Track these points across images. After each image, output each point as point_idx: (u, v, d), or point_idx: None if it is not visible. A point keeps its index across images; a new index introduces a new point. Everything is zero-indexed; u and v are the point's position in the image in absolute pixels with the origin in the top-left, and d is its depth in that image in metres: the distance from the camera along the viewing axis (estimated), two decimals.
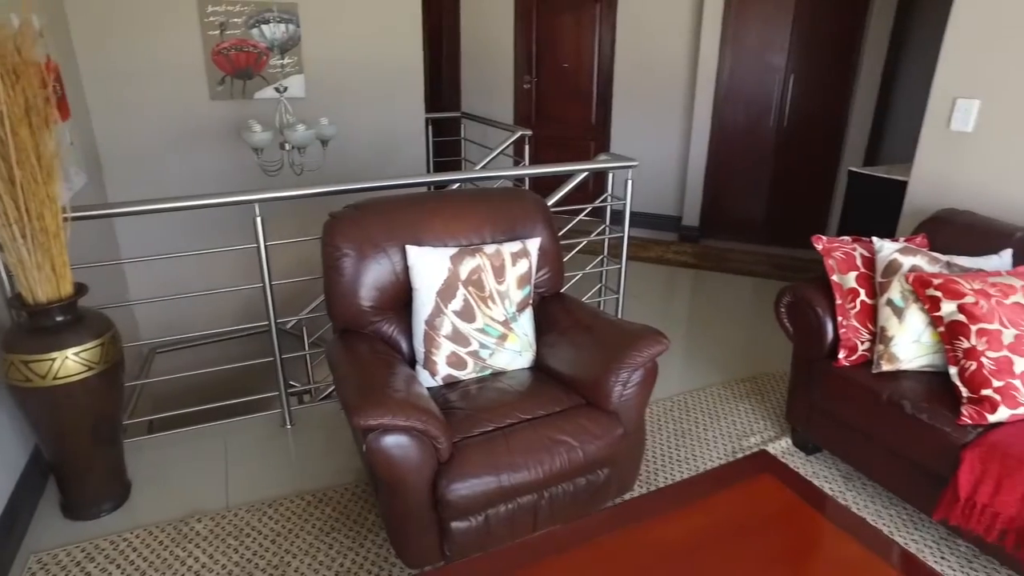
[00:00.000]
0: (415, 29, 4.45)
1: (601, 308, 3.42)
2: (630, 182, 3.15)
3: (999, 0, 2.52)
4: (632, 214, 5.55)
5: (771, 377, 3.18)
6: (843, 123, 4.89)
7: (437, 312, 2.12)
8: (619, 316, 3.36)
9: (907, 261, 2.23)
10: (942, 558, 2.12)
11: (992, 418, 1.94)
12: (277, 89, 3.92)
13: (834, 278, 2.37)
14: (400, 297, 2.19)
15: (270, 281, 2.59)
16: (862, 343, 2.31)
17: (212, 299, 3.13)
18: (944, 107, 2.76)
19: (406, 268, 2.16)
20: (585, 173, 3.18)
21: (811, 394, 2.45)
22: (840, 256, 2.37)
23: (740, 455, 2.59)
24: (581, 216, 3.24)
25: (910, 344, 2.17)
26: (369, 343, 2.12)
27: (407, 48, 4.46)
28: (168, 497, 2.30)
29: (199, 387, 3.17)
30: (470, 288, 2.14)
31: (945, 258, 2.28)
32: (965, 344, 2.01)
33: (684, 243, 5.38)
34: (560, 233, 3.18)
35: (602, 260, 3.38)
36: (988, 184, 2.64)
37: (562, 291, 2.56)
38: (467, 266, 2.15)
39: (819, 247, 2.42)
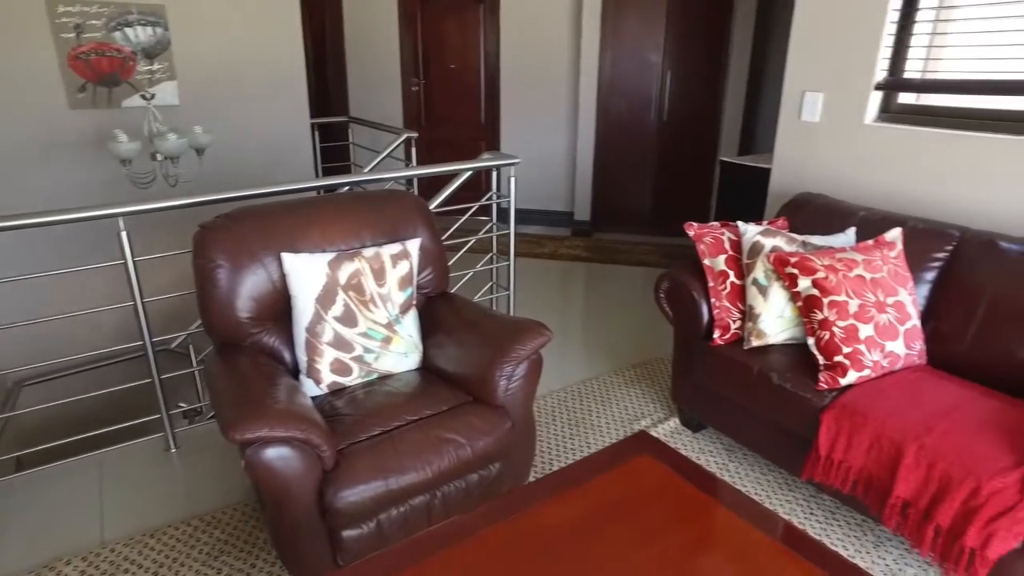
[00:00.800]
0: (294, 30, 4.33)
1: (493, 305, 3.47)
2: (513, 179, 3.20)
3: (832, 2, 2.74)
4: (524, 211, 5.58)
5: (660, 361, 3.33)
6: (717, 116, 5.17)
7: (318, 319, 2.08)
8: (511, 313, 3.41)
9: (768, 242, 2.39)
10: (811, 513, 2.29)
11: (844, 381, 2.12)
12: (144, 96, 3.71)
13: (706, 262, 2.50)
14: (279, 306, 2.14)
15: (142, 299, 2.46)
16: (734, 322, 2.45)
17: (88, 323, 2.93)
18: (795, 100, 2.97)
19: (283, 276, 2.11)
20: (469, 172, 3.21)
21: (692, 374, 2.58)
22: (710, 241, 2.51)
23: None
24: (468, 215, 3.26)
25: (775, 319, 2.33)
26: (249, 356, 2.05)
27: (287, 50, 4.33)
28: (33, 541, 2.14)
29: (77, 418, 2.97)
30: (350, 293, 2.11)
31: (801, 238, 2.46)
32: (819, 316, 2.18)
33: (577, 238, 5.53)
34: (448, 233, 3.21)
35: (492, 258, 3.42)
36: (835, 169, 2.87)
37: (450, 291, 2.57)
38: (346, 271, 2.12)
39: (691, 233, 2.55)
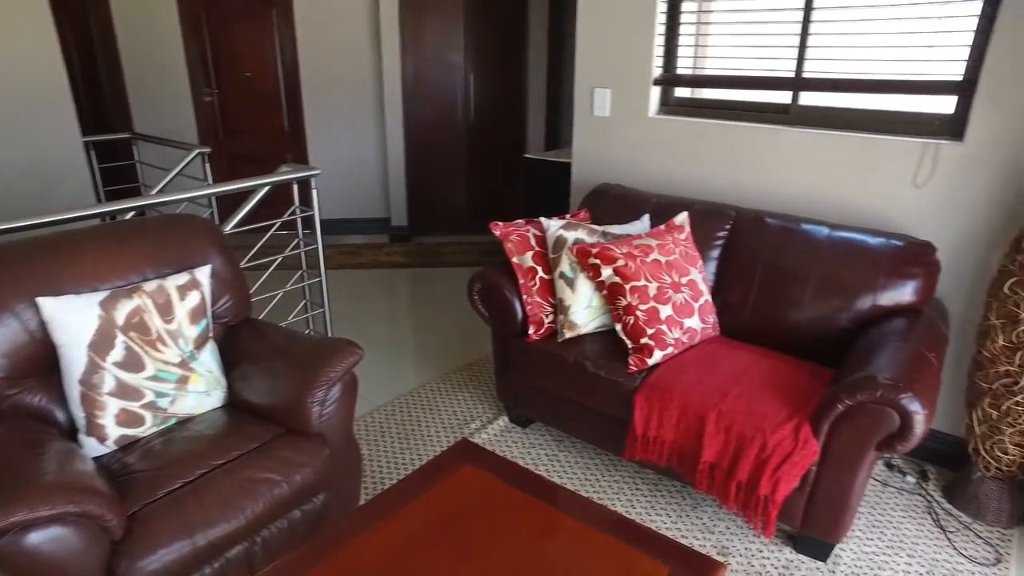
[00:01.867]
0: (48, 39, 3.81)
1: (309, 324, 3.30)
2: (316, 191, 3.06)
3: (611, 2, 2.90)
4: (339, 221, 5.40)
5: (486, 361, 3.35)
6: (522, 113, 5.32)
7: (93, 368, 1.82)
8: (328, 330, 3.26)
9: (571, 235, 2.48)
10: (637, 488, 2.41)
11: (651, 361, 2.25)
12: None
13: (514, 260, 2.54)
14: (42, 359, 1.85)
15: None
16: (547, 316, 2.51)
17: None
18: (586, 96, 3.11)
19: (43, 324, 1.83)
20: (267, 188, 3.01)
21: (513, 371, 2.62)
22: (516, 239, 2.55)
23: None
24: (271, 232, 3.06)
25: (584, 310, 2.42)
26: (7, 423, 1.76)
27: (44, 62, 3.80)
28: None
29: None
30: (131, 334, 1.88)
31: (601, 228, 2.58)
32: (623, 302, 2.29)
33: (396, 244, 5.44)
34: (252, 253, 3.00)
35: (302, 275, 3.24)
36: (628, 160, 3.05)
37: (258, 316, 2.39)
38: (124, 309, 1.88)
39: (497, 233, 2.57)
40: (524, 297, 2.52)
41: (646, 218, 2.68)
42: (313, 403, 1.95)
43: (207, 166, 3.98)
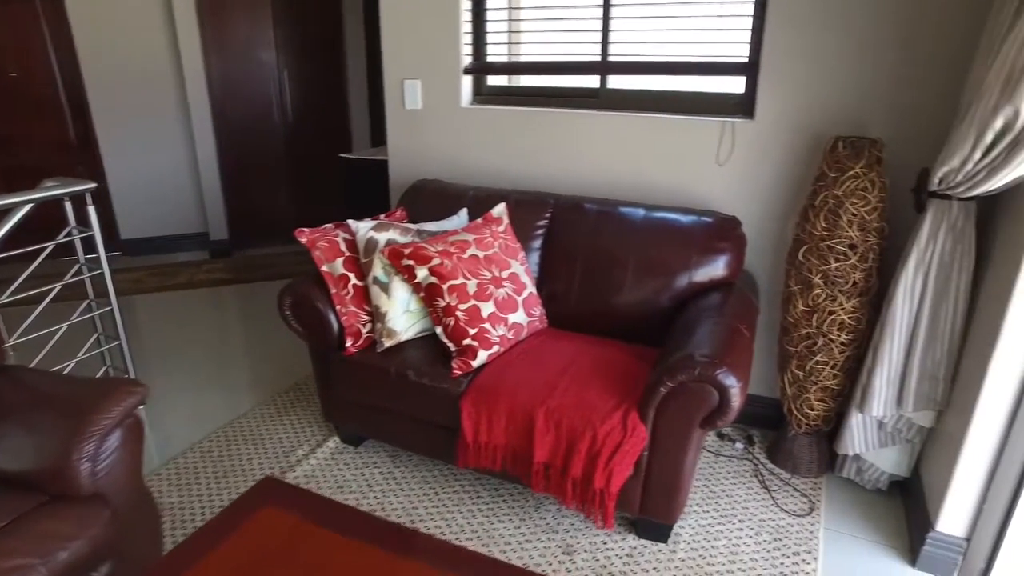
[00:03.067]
0: None
1: (105, 361, 2.87)
2: (91, 208, 2.65)
3: None
4: (151, 240, 4.86)
5: (313, 380, 3.09)
6: (345, 111, 5.05)
7: None
8: (129, 365, 2.86)
9: (382, 237, 2.30)
10: (479, 496, 2.29)
11: (476, 363, 2.13)
12: None
13: (324, 268, 2.33)
14: None
15: None
16: (364, 326, 2.33)
17: None
18: (397, 88, 2.94)
19: None
20: (25, 207, 2.56)
21: (336, 388, 2.41)
22: (324, 245, 2.34)
23: (291, 472, 2.43)
24: (39, 260, 2.61)
25: (402, 315, 2.26)
26: None
27: None
28: None
29: None
30: None
31: (416, 226, 2.42)
32: (442, 303, 2.16)
33: (217, 259, 4.97)
34: (14, 287, 2.54)
35: (90, 305, 2.81)
36: (444, 153, 2.93)
37: (21, 364, 2.00)
38: None
39: (303, 240, 2.35)
40: (338, 307, 2.31)
41: (464, 212, 2.56)
42: (82, 459, 1.63)
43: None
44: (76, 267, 2.82)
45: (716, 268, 2.24)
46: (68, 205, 2.71)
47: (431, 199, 2.68)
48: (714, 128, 2.39)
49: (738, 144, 2.37)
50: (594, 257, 2.39)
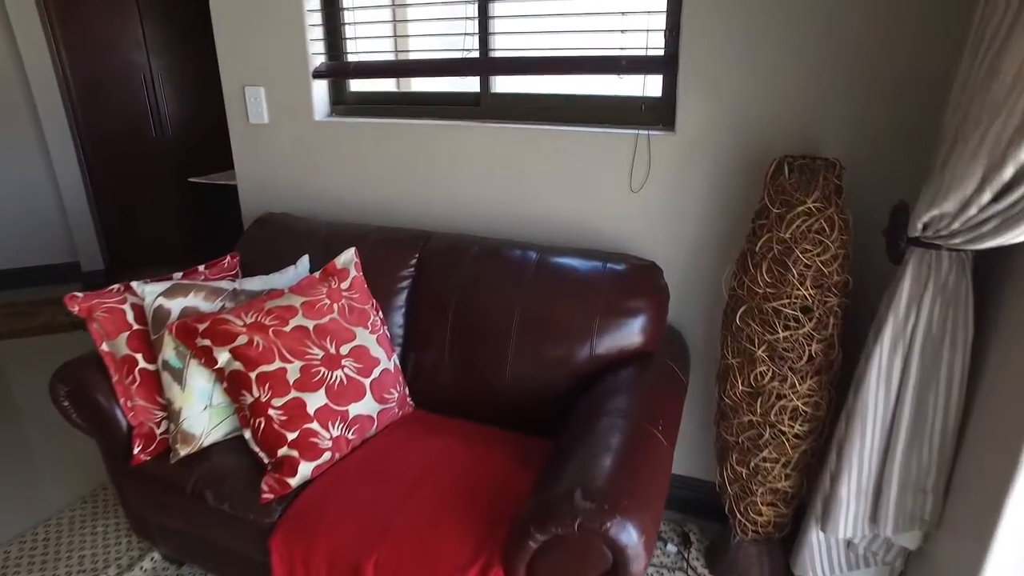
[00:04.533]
0: None
1: None
2: None
3: None
4: (9, 272, 4.18)
5: None
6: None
7: None
8: None
9: (176, 305, 1.69)
10: None
11: (296, 481, 1.53)
12: None
13: (103, 347, 1.71)
14: None
15: None
16: (158, 425, 1.71)
17: None
18: (237, 97, 2.32)
19: None
20: None
21: (133, 501, 1.79)
22: (104, 316, 1.71)
23: None
24: None
25: (201, 413, 1.64)
26: None
27: None
28: None
29: None
30: None
31: (235, 285, 1.81)
32: (249, 399, 1.56)
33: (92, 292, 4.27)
34: None
35: None
36: (297, 179, 2.32)
37: None
38: None
39: (74, 309, 1.72)
40: (122, 401, 1.70)
41: (304, 261, 1.95)
42: None
43: None
44: None
45: (628, 334, 1.67)
46: None
47: (272, 241, 2.07)
48: (625, 143, 1.82)
49: (656, 164, 1.80)
50: (471, 317, 1.81)
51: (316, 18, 2.13)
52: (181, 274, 1.89)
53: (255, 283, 1.83)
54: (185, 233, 4.50)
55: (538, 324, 1.72)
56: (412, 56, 2.18)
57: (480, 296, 1.81)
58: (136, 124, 4.19)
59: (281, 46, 2.15)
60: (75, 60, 3.99)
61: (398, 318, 1.90)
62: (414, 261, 1.92)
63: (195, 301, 1.70)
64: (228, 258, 2.03)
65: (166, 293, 1.69)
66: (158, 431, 1.70)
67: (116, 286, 1.79)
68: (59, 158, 4.07)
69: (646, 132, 1.79)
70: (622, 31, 1.81)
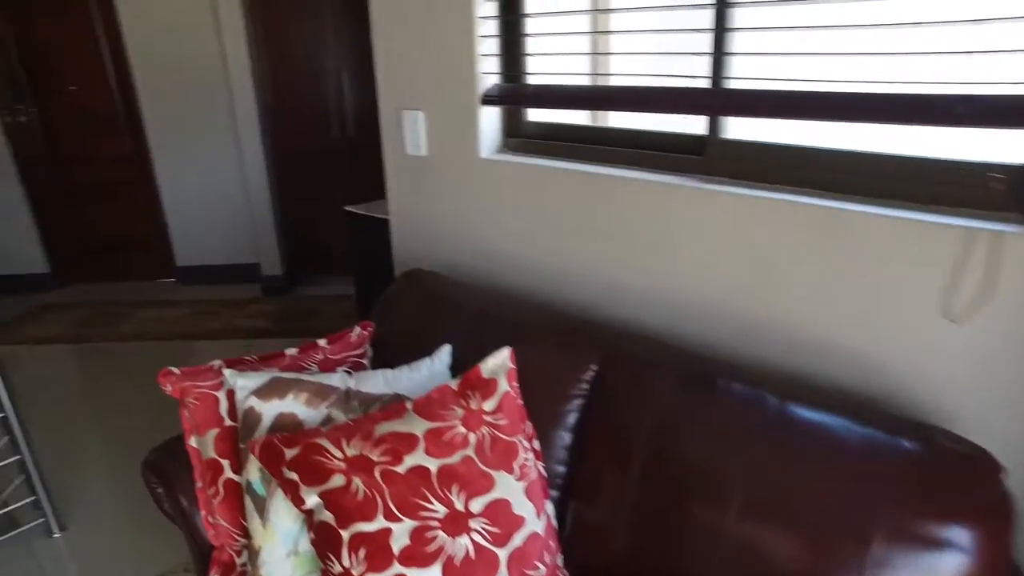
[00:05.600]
0: None
1: None
2: None
3: None
4: (204, 268, 4.29)
5: None
6: None
7: None
8: (40, 482, 2.11)
9: (270, 410, 1.29)
10: None
11: None
12: None
13: (192, 441, 1.37)
14: None
15: None
16: (239, 555, 1.34)
17: None
18: (393, 123, 1.93)
19: None
20: None
21: None
22: (194, 403, 1.37)
23: None
24: None
25: (284, 561, 1.23)
26: None
27: None
28: None
29: None
30: None
31: (350, 382, 1.39)
32: (337, 567, 1.11)
33: (268, 298, 4.26)
34: None
35: None
36: (456, 229, 1.86)
37: None
38: None
39: (167, 389, 1.39)
40: (203, 514, 1.35)
41: (444, 355, 1.48)
42: None
43: None
44: None
45: (937, 565, 0.99)
46: None
47: (412, 312, 1.64)
48: (948, 239, 1.12)
49: (1006, 280, 1.08)
50: (665, 469, 1.23)
51: (490, 27, 1.65)
52: (296, 350, 1.51)
53: (376, 381, 1.39)
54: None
55: (770, 508, 1.10)
56: (613, 81, 1.62)
57: (681, 442, 1.22)
58: (320, 127, 4.08)
59: (446, 62, 1.70)
60: (271, 59, 3.94)
61: (559, 451, 1.37)
62: (590, 375, 1.36)
63: (294, 406, 1.30)
64: (358, 329, 1.63)
65: (261, 391, 1.30)
66: (238, 561, 1.33)
67: (217, 363, 1.44)
68: (249, 160, 4.07)
69: (990, 225, 1.08)
70: (962, 52, 1.10)
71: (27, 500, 2.19)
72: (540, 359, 1.39)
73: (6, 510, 2.21)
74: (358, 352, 1.57)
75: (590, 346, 1.38)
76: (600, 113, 1.78)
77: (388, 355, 1.59)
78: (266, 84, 3.97)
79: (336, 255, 4.36)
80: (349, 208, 2.41)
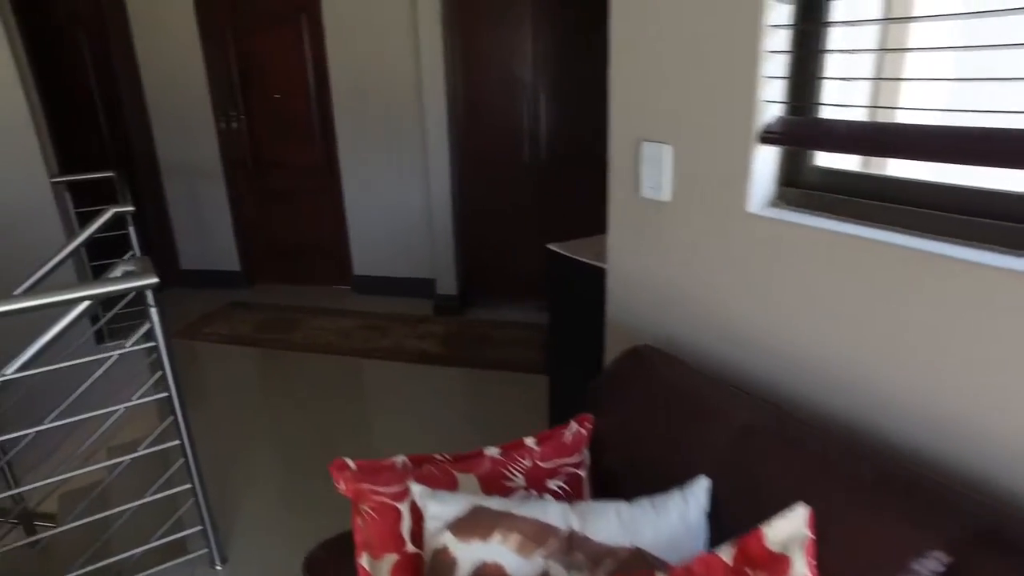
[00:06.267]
0: (5, 68, 3.08)
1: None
2: (155, 309, 1.80)
3: None
4: (380, 279, 4.21)
5: None
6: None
7: None
8: (207, 526, 1.99)
9: (470, 555, 0.96)
10: None
11: None
12: None
13: (362, 560, 1.08)
14: None
15: None
16: None
17: None
18: (628, 156, 1.56)
19: None
20: (81, 305, 1.79)
21: None
22: (373, 513, 1.08)
23: None
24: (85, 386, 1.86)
25: None
26: None
27: None
28: None
29: None
30: None
31: (576, 515, 1.03)
32: None
33: (441, 317, 4.09)
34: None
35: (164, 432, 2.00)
36: (703, 295, 1.45)
37: None
38: None
39: (340, 487, 1.12)
40: None
41: (699, 492, 1.07)
42: None
43: (130, 230, 2.88)
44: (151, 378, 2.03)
45: None
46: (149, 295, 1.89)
47: (643, 407, 1.25)
48: None
49: None
50: None
51: (780, 40, 1.22)
52: (498, 450, 1.18)
53: (608, 521, 1.02)
54: (537, 267, 4.05)
55: None
56: (918, 117, 1.12)
57: None
58: (510, 146, 3.83)
59: (712, 83, 1.30)
60: (465, 75, 3.76)
61: None
62: (935, 566, 0.90)
63: (501, 552, 0.96)
64: (575, 426, 1.27)
65: (459, 527, 0.98)
66: None
67: (400, 460, 1.15)
68: (434, 175, 3.92)
69: None
70: None
71: (196, 529, 2.09)
72: (852, 527, 0.94)
73: (180, 535, 2.13)
74: (574, 460, 1.21)
75: (934, 516, 0.92)
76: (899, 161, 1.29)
77: (609, 462, 1.23)
78: (458, 101, 3.80)
79: (512, 281, 4.11)
80: (553, 247, 2.07)
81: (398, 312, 4.15)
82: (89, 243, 2.71)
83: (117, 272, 1.88)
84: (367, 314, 4.15)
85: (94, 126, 4.45)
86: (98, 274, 3.47)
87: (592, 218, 3.67)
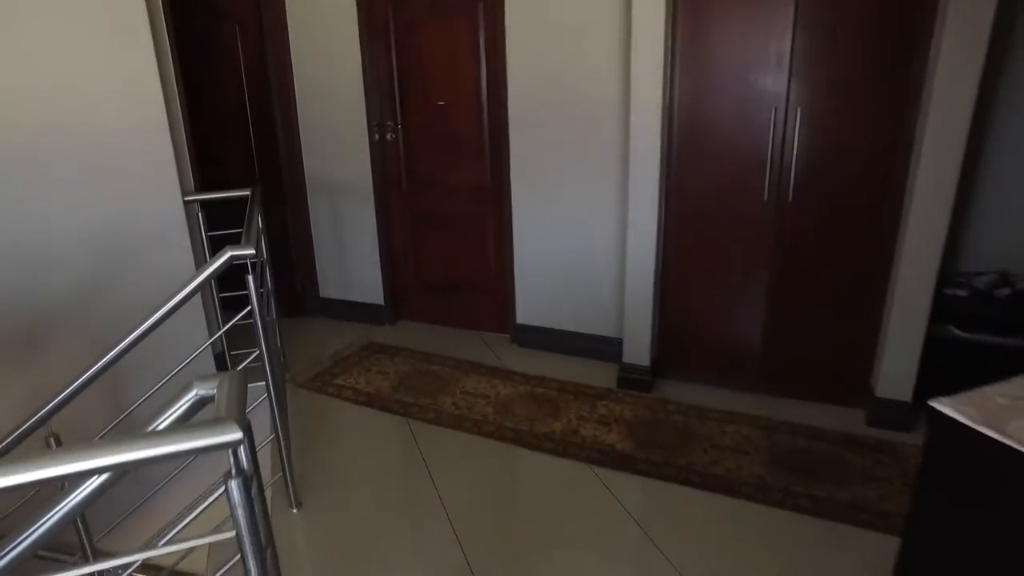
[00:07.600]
0: (147, 71, 2.62)
1: None
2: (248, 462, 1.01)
3: None
4: (550, 332, 3.26)
5: None
6: (898, 194, 2.63)
7: None
8: None
9: None
10: None
11: None
12: None
13: None
14: None
15: None
16: None
17: None
18: None
19: None
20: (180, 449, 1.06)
21: None
22: None
23: None
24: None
25: None
26: None
27: (129, 102, 2.63)
28: None
29: None
30: None
31: None
32: None
33: (627, 391, 3.17)
34: None
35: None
36: None
37: None
38: None
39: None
40: None
41: None
42: None
43: (251, 280, 2.19)
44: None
45: None
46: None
47: None
48: None
49: None
50: None
51: None
52: None
53: None
54: (767, 341, 3.01)
55: None
56: None
57: None
58: (744, 179, 2.83)
59: None
60: (690, 81, 2.81)
61: None
62: None
63: None
64: None
65: None
66: None
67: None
68: (636, 214, 3.00)
69: None
70: None
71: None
72: None
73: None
74: None
75: None
76: None
77: None
78: (675, 118, 2.86)
79: (716, 352, 3.11)
80: (944, 409, 1.08)
81: (571, 380, 3.28)
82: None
83: (196, 444, 1.13)
84: (532, 378, 3.32)
85: (241, 132, 3.97)
86: (227, 306, 2.93)
87: (856, 289, 2.62)
